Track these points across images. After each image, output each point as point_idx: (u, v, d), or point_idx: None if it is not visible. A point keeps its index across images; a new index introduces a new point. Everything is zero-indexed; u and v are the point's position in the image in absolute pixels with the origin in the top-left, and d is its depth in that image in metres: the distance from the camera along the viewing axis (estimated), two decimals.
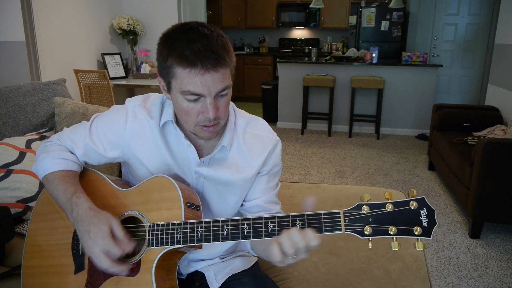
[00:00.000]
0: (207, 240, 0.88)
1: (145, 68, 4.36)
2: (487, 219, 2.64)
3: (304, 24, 7.68)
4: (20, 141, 1.59)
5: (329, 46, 7.59)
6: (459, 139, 3.29)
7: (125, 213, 0.98)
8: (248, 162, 1.05)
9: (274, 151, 1.09)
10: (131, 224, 1.00)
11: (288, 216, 0.83)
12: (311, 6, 6.56)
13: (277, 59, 6.21)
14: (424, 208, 0.78)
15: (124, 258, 0.95)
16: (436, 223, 0.78)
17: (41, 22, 3.35)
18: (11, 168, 1.50)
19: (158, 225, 0.92)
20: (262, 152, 1.07)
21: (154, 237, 0.92)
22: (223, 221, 0.88)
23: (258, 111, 6.67)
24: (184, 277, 1.12)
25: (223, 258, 1.15)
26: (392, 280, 1.28)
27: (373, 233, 0.79)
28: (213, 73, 0.87)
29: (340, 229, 0.81)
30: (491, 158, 2.48)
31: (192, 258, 1.11)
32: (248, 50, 8.00)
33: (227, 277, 1.10)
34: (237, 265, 1.13)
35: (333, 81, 5.14)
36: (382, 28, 6.31)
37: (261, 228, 0.85)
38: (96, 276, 0.96)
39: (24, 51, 3.17)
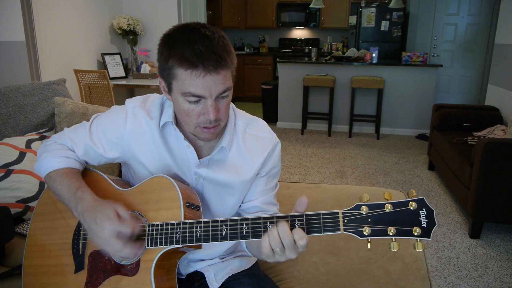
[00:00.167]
0: (206, 240, 0.88)
1: (145, 68, 4.36)
2: (487, 219, 2.64)
3: (304, 24, 7.68)
4: (20, 141, 1.60)
5: (329, 46, 7.59)
6: (459, 139, 3.29)
7: None
8: (248, 163, 1.05)
9: (273, 152, 1.09)
10: None
11: (286, 216, 0.84)
12: (311, 6, 6.56)
13: (277, 59, 6.21)
14: (424, 209, 0.78)
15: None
16: (435, 224, 0.77)
17: (41, 22, 3.35)
18: (11, 168, 1.50)
19: (157, 225, 0.92)
20: (261, 153, 1.07)
21: (154, 236, 0.92)
22: (222, 221, 0.88)
23: (258, 111, 6.67)
24: (183, 277, 1.12)
25: (222, 258, 1.15)
26: (392, 280, 1.28)
27: (372, 234, 0.79)
28: (214, 75, 0.87)
29: (339, 230, 0.81)
30: (491, 158, 2.48)
31: (192, 258, 1.11)
32: (248, 50, 8.00)
33: (226, 277, 1.10)
34: (237, 265, 1.14)
35: (333, 81, 5.14)
36: (382, 28, 6.31)
37: (259, 228, 0.85)
38: (96, 276, 0.97)
39: (24, 51, 3.17)
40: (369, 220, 0.80)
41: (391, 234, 0.78)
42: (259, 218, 0.86)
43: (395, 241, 0.78)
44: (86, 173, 1.10)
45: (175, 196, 0.93)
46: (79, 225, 1.03)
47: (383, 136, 5.31)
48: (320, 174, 3.88)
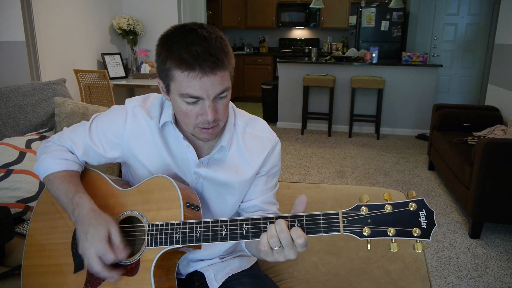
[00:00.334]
0: (206, 240, 0.88)
1: (145, 68, 4.36)
2: (487, 219, 2.64)
3: (304, 24, 7.68)
4: (20, 141, 1.60)
5: (329, 46, 7.59)
6: (459, 139, 3.29)
7: (125, 213, 0.98)
8: (247, 162, 1.05)
9: (273, 152, 1.09)
10: (130, 224, 1.00)
11: (286, 217, 0.84)
12: (311, 6, 6.56)
13: (277, 59, 6.22)
14: (423, 210, 0.78)
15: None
16: (435, 225, 0.77)
17: (41, 22, 3.35)
18: (11, 168, 1.50)
19: (157, 225, 0.92)
20: (261, 153, 1.07)
21: (153, 237, 0.92)
22: (222, 221, 0.88)
23: (258, 111, 6.67)
24: (183, 277, 1.12)
25: (222, 258, 1.15)
26: (392, 280, 1.28)
27: (372, 234, 0.79)
28: (212, 76, 0.87)
29: (339, 230, 0.81)
30: (491, 158, 2.48)
31: (192, 258, 1.11)
32: (248, 50, 8.00)
33: (226, 277, 1.10)
34: (237, 265, 1.13)
35: (333, 81, 5.14)
36: (382, 28, 6.31)
37: (259, 228, 0.85)
38: (96, 276, 0.96)
39: (24, 51, 3.17)
40: (369, 220, 0.79)
41: (390, 234, 0.78)
42: (259, 219, 0.86)
43: (394, 242, 0.78)
44: (86, 173, 1.10)
45: (175, 196, 0.93)
46: None
47: (383, 136, 5.31)
48: (320, 174, 3.88)
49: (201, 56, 0.85)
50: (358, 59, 5.51)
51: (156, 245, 0.91)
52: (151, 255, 0.92)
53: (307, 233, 0.82)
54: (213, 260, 1.13)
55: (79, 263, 1.00)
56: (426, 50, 6.33)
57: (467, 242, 2.64)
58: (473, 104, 5.29)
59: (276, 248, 0.81)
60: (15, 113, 1.69)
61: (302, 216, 0.83)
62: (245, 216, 1.06)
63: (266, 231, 0.84)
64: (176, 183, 0.95)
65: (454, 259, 2.45)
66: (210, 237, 0.88)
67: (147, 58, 4.65)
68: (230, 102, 1.03)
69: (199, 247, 0.93)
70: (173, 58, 0.87)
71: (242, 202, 1.11)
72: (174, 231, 0.90)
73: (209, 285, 1.09)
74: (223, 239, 0.87)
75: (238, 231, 0.86)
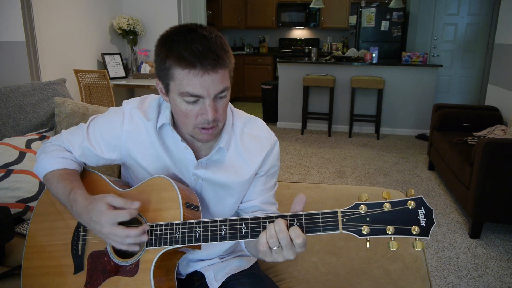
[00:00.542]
0: (205, 240, 0.88)
1: (145, 68, 4.36)
2: (487, 219, 2.64)
3: (304, 24, 7.68)
4: (20, 141, 1.60)
5: (329, 46, 7.59)
6: (459, 139, 3.29)
7: None
8: (246, 163, 1.05)
9: (272, 152, 1.09)
10: (130, 224, 1.00)
11: (286, 216, 0.84)
12: (311, 6, 6.56)
13: (277, 59, 6.22)
14: (422, 208, 0.78)
15: (123, 259, 0.95)
16: (434, 223, 0.77)
17: (41, 22, 3.35)
18: (11, 168, 1.50)
19: (157, 225, 0.92)
20: (260, 153, 1.06)
21: (153, 237, 0.92)
22: (221, 221, 0.88)
23: (258, 111, 6.67)
24: (183, 277, 1.12)
25: (222, 258, 1.15)
26: (392, 280, 1.28)
27: (371, 233, 0.79)
28: (212, 74, 0.86)
29: (338, 229, 0.81)
30: (491, 158, 2.48)
31: (192, 258, 1.11)
32: (248, 50, 8.00)
33: (226, 277, 1.10)
34: (237, 265, 1.13)
35: (333, 81, 5.14)
36: (382, 28, 6.31)
37: (259, 228, 0.85)
38: (95, 276, 0.97)
39: (24, 51, 3.17)
40: (368, 219, 0.80)
41: (389, 233, 0.78)
42: (258, 218, 0.86)
43: (394, 240, 0.78)
44: (85, 174, 1.10)
45: (174, 196, 0.93)
46: (78, 226, 1.03)
47: (383, 136, 5.31)
48: (320, 174, 3.88)
49: (202, 54, 0.84)
50: (358, 59, 5.51)
51: (155, 245, 0.91)
52: (150, 255, 0.92)
53: (306, 232, 0.82)
54: (213, 260, 1.13)
55: (79, 264, 1.00)
56: (426, 50, 6.33)
57: (467, 242, 2.64)
58: (473, 104, 5.29)
59: (275, 248, 0.81)
60: (15, 113, 1.70)
61: (301, 215, 0.83)
62: (244, 216, 1.06)
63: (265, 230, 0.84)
64: (175, 183, 0.95)
65: (454, 259, 2.45)
66: (209, 237, 0.88)
67: (147, 58, 4.66)
68: (229, 103, 1.03)
69: (199, 247, 0.93)
70: (173, 56, 0.86)
71: (241, 202, 1.11)
72: (174, 231, 0.90)
73: (209, 285, 1.09)
74: (223, 239, 0.87)
75: (238, 231, 0.86)
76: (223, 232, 0.87)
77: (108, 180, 1.05)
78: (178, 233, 0.90)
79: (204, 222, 0.89)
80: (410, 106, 5.31)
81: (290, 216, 0.83)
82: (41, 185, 1.53)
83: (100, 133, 1.06)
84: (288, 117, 5.69)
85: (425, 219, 0.78)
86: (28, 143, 1.60)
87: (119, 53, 4.52)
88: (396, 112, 5.37)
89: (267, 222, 0.85)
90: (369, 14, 6.29)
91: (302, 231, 0.81)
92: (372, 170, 3.98)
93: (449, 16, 6.17)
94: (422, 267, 1.35)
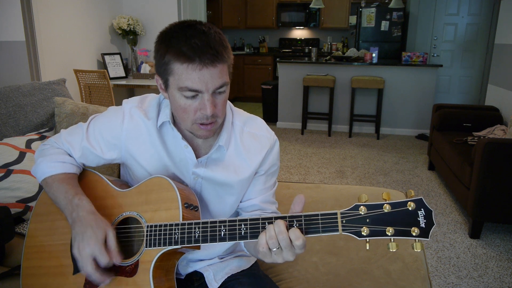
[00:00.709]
0: (204, 241, 0.88)
1: (145, 68, 4.37)
2: (487, 219, 2.64)
3: (304, 24, 7.68)
4: (20, 141, 1.60)
5: (329, 46, 7.59)
6: (459, 139, 3.29)
7: (123, 214, 0.98)
8: (246, 161, 1.05)
9: (272, 151, 1.09)
10: (129, 224, 1.00)
11: (285, 217, 0.83)
12: (311, 6, 6.55)
13: (277, 59, 6.22)
14: (422, 209, 0.78)
15: (123, 259, 0.95)
16: (434, 224, 0.77)
17: (41, 22, 3.35)
18: (11, 168, 1.50)
19: (156, 226, 0.92)
20: (259, 152, 1.06)
21: (152, 237, 0.92)
22: (220, 221, 0.88)
23: (258, 111, 6.67)
24: (183, 278, 1.12)
25: (222, 258, 1.15)
26: (392, 280, 1.28)
27: (370, 234, 0.79)
28: (211, 69, 0.87)
29: (337, 230, 0.80)
30: (491, 158, 2.48)
31: (191, 258, 1.11)
32: (248, 50, 8.00)
33: (226, 277, 1.10)
34: (236, 265, 1.13)
35: (333, 81, 5.14)
36: (382, 28, 6.31)
37: (258, 228, 0.85)
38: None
39: (24, 51, 3.17)
40: (367, 220, 0.79)
41: (389, 234, 0.78)
42: (257, 219, 0.85)
43: (393, 242, 0.78)
44: (84, 174, 1.10)
45: (173, 196, 0.93)
46: None
47: (383, 136, 5.31)
48: (320, 174, 3.88)
49: (201, 49, 0.85)
50: (358, 59, 5.51)
51: (155, 245, 0.91)
52: (150, 256, 0.92)
53: (306, 233, 0.82)
54: (213, 260, 1.13)
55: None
56: (426, 50, 6.33)
57: (467, 242, 2.64)
58: (473, 104, 5.29)
59: (275, 249, 0.81)
60: (15, 113, 1.70)
61: (300, 216, 0.83)
62: (244, 216, 1.06)
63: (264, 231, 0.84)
64: (174, 183, 0.95)
65: (454, 259, 2.45)
66: (208, 237, 0.88)
67: (147, 58, 4.66)
68: (228, 102, 1.03)
69: (198, 248, 0.93)
70: (172, 51, 0.87)
71: (241, 201, 1.11)
72: (173, 231, 0.90)
73: (208, 285, 1.09)
74: (222, 239, 0.87)
75: (237, 232, 0.86)
76: (222, 233, 0.87)
77: (107, 180, 1.05)
78: (177, 233, 0.90)
79: (203, 223, 0.89)
80: (410, 106, 5.31)
81: (290, 217, 0.83)
82: (41, 185, 1.53)
83: (100, 132, 1.06)
84: (288, 117, 5.69)
85: (425, 221, 0.77)
86: (28, 143, 1.60)
87: (119, 53, 4.52)
88: (396, 112, 5.37)
89: (266, 223, 0.84)
90: (369, 14, 6.29)
91: (302, 232, 0.81)
92: (372, 170, 3.98)
93: (449, 16, 6.17)
94: (422, 267, 1.35)
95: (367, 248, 0.79)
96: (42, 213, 1.09)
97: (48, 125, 1.77)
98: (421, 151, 4.61)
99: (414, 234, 0.77)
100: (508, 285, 2.20)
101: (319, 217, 0.82)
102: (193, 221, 0.90)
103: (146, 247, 0.92)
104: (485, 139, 2.52)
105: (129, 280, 0.93)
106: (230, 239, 0.86)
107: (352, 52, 5.99)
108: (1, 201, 1.45)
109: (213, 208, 1.08)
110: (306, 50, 7.45)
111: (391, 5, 6.01)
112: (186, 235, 0.89)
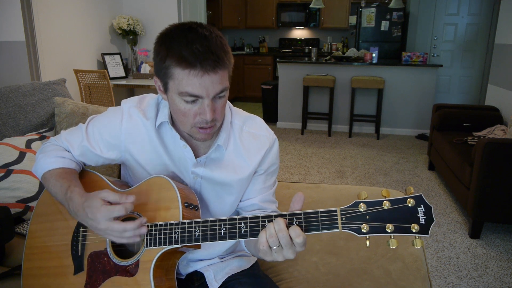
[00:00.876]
0: (204, 240, 0.88)
1: (145, 68, 4.37)
2: (487, 219, 2.64)
3: (304, 24, 7.68)
4: (20, 141, 1.60)
5: (329, 46, 7.59)
6: (459, 139, 3.29)
7: None
8: (245, 161, 1.05)
9: (271, 150, 1.08)
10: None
11: (285, 215, 0.83)
12: (311, 6, 6.55)
13: (277, 59, 6.22)
14: (422, 205, 0.78)
15: (123, 259, 0.95)
16: (433, 220, 0.77)
17: (41, 22, 3.36)
18: (11, 168, 1.50)
19: (156, 225, 0.92)
20: (258, 151, 1.06)
21: (152, 237, 0.92)
22: (220, 220, 0.88)
23: (258, 111, 6.67)
24: (183, 277, 1.12)
25: (222, 258, 1.15)
26: (392, 280, 1.28)
27: (370, 231, 0.79)
28: (212, 75, 0.86)
29: (337, 227, 0.80)
30: (491, 158, 2.48)
31: (191, 258, 1.11)
32: (248, 50, 8.00)
33: (226, 277, 1.10)
34: (237, 265, 1.13)
35: (333, 81, 5.14)
36: (382, 28, 6.31)
37: (258, 227, 0.85)
38: (95, 277, 0.97)
39: (24, 51, 3.17)
40: (367, 217, 0.79)
41: (389, 231, 0.78)
42: (257, 217, 0.85)
43: (393, 238, 0.78)
44: (84, 174, 1.10)
45: (173, 196, 0.93)
46: (78, 226, 1.02)
47: (383, 136, 5.31)
48: (320, 174, 3.88)
49: (202, 55, 0.84)
50: (358, 59, 5.51)
51: (155, 245, 0.91)
52: (150, 255, 0.92)
53: (306, 230, 0.82)
54: (213, 260, 1.13)
55: (78, 264, 0.99)
56: (426, 50, 6.33)
57: (467, 242, 2.64)
58: (473, 104, 5.29)
59: (275, 247, 0.81)
60: (15, 113, 1.70)
61: (300, 214, 0.83)
62: (244, 215, 1.06)
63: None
64: (174, 183, 0.95)
65: (454, 259, 2.45)
66: (209, 236, 0.88)
67: (147, 58, 4.66)
68: (227, 101, 1.03)
69: (198, 247, 0.92)
70: (173, 56, 0.86)
71: (240, 201, 1.11)
72: (173, 231, 0.90)
73: (208, 285, 1.09)
74: (222, 238, 0.87)
75: (237, 230, 0.86)
76: (222, 232, 0.87)
77: (107, 181, 1.05)
78: (177, 232, 0.90)
79: (203, 222, 0.89)
80: (410, 106, 5.31)
81: (290, 215, 0.83)
82: (41, 185, 1.53)
83: (99, 132, 1.06)
84: (288, 117, 5.69)
85: (424, 217, 0.77)
86: (28, 143, 1.60)
87: (119, 53, 4.52)
88: (396, 112, 5.37)
89: (266, 221, 0.84)
90: (369, 14, 6.29)
91: (302, 230, 0.81)
92: (372, 170, 3.98)
93: (449, 16, 6.17)
94: (422, 267, 1.35)
95: (367, 245, 0.79)
96: (43, 213, 1.09)
97: (48, 125, 1.78)
98: (421, 151, 4.61)
99: (414, 230, 0.77)
100: (508, 285, 2.20)
101: (319, 215, 0.82)
102: (193, 220, 0.90)
103: (147, 246, 0.92)
104: (485, 139, 2.52)
105: (130, 280, 0.93)
106: (230, 237, 0.86)
107: (352, 52, 5.99)
108: (1, 201, 1.45)
109: (213, 208, 1.08)
110: (306, 50, 7.45)
111: (391, 5, 6.01)
112: (186, 234, 0.89)
